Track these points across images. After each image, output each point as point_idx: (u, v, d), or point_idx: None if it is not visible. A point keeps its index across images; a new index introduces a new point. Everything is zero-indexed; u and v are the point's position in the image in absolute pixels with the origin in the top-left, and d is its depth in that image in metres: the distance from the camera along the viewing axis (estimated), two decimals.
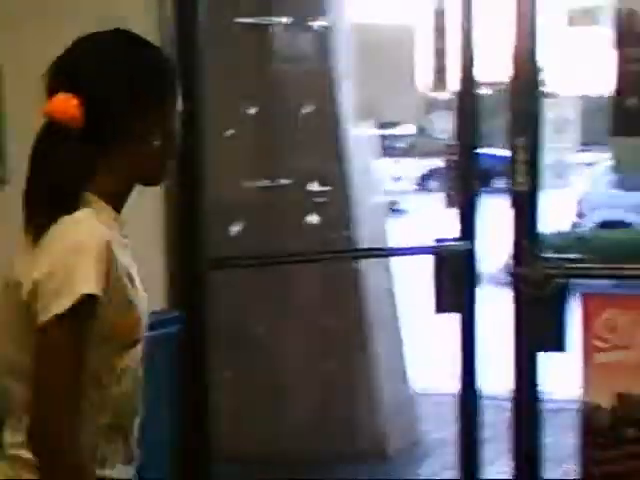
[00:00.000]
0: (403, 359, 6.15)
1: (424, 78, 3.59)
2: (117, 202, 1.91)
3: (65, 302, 1.70)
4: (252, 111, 5.24)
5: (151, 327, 3.36)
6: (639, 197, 17.21)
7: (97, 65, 1.82)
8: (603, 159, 17.49)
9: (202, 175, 3.68)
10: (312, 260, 4.44)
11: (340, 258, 4.96)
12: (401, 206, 17.09)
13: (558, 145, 3.26)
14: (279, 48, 5.30)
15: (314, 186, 5.34)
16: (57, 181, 1.78)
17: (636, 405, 3.07)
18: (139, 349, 1.89)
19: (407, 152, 18.49)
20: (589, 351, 3.13)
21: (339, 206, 5.52)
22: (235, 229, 5.10)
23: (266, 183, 5.30)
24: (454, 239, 3.74)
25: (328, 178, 5.42)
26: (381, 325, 5.92)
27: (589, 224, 16.62)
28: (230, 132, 5.13)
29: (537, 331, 3.24)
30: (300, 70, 5.42)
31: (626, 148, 2.96)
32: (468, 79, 3.59)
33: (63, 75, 1.82)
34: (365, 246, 5.62)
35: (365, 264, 5.73)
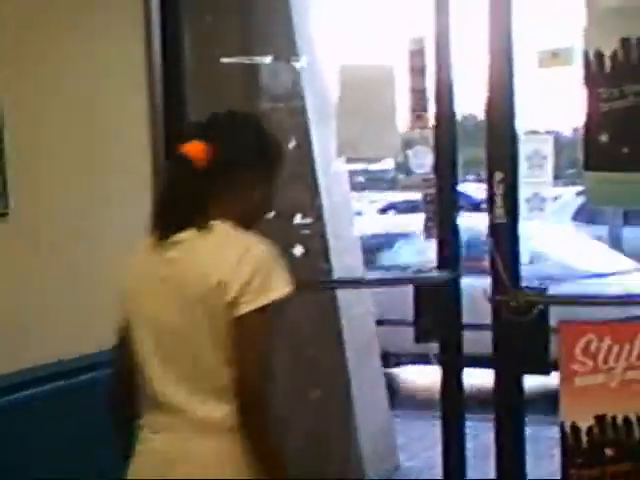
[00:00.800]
0: (382, 386, 6.27)
1: (403, 116, 3.73)
2: None
3: (271, 296, 2.24)
4: None
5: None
6: (597, 230, 17.49)
7: (233, 128, 2.44)
8: (567, 192, 17.73)
9: None
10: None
11: (322, 288, 5.07)
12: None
13: (534, 180, 3.39)
14: (262, 87, 5.44)
15: (297, 219, 5.46)
16: (183, 201, 2.34)
17: (613, 426, 3.21)
18: None
19: (387, 186, 18.62)
20: (569, 375, 3.26)
21: (320, 238, 5.65)
22: None
23: None
24: (434, 269, 3.83)
25: (309, 211, 5.56)
26: (360, 353, 6.04)
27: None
28: None
29: (520, 355, 3.37)
30: (282, 108, 5.57)
31: (598, 182, 3.09)
32: (446, 115, 3.72)
33: (204, 128, 2.42)
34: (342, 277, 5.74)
35: (344, 294, 5.86)
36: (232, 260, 2.27)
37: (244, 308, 2.23)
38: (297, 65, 5.40)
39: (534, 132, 3.69)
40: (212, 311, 2.27)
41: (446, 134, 3.79)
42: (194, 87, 3.95)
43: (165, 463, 2.29)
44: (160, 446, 2.32)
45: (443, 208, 3.82)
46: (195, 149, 2.35)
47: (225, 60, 4.48)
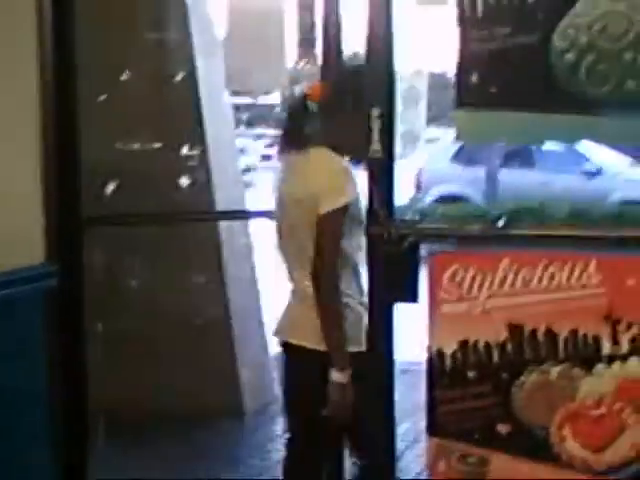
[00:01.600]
0: (262, 321, 6.41)
1: (291, 51, 3.80)
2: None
3: (342, 201, 3.13)
4: (123, 77, 5.42)
5: (28, 280, 3.55)
6: (476, 172, 17.90)
7: (341, 76, 3.45)
8: (447, 134, 18.04)
9: (77, 137, 3.87)
10: (179, 220, 4.63)
11: (204, 219, 5.16)
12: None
13: (408, 117, 3.52)
14: (150, 18, 5.47)
15: (185, 150, 5.54)
16: (294, 129, 3.27)
17: (474, 351, 3.41)
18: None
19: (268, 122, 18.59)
20: (436, 303, 3.45)
21: (205, 170, 5.74)
22: (110, 189, 5.29)
23: (138, 146, 5.48)
24: None
25: (195, 143, 5.63)
26: (240, 286, 6.16)
27: (427, 198, 17.20)
28: (103, 97, 5.32)
29: (392, 285, 3.53)
30: (169, 39, 5.61)
31: (468, 120, 3.24)
32: (333, 51, 3.79)
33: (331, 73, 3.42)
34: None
35: (226, 227, 5.97)
36: (321, 175, 3.17)
37: (324, 209, 3.11)
38: None
39: (412, 72, 3.82)
40: (309, 213, 3.15)
41: (333, 69, 3.85)
42: (81, 18, 3.96)
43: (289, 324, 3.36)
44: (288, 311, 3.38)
45: None
46: (312, 87, 3.20)
47: None
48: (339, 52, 3.79)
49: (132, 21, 5.50)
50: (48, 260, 3.72)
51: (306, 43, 3.87)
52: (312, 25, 3.85)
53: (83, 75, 3.89)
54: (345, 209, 3.16)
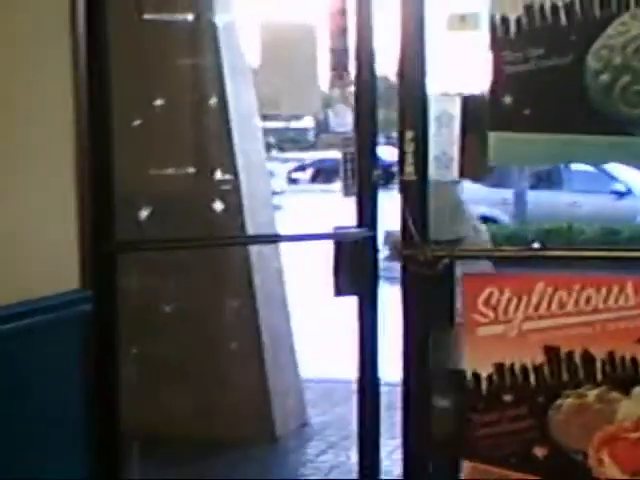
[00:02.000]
0: (293, 344, 6.41)
1: (324, 75, 3.79)
2: None
3: None
4: (158, 103, 5.46)
5: (64, 306, 3.57)
6: (504, 193, 17.85)
7: None
8: None
9: (110, 163, 3.89)
10: (213, 245, 4.65)
11: (236, 244, 5.18)
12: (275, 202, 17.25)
13: (442, 139, 3.52)
14: (184, 44, 5.52)
15: (218, 175, 5.57)
16: None
17: (511, 373, 3.40)
18: None
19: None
20: (471, 325, 3.44)
21: (237, 195, 5.76)
22: (144, 214, 5.32)
23: (172, 171, 5.52)
24: (353, 227, 3.87)
25: (227, 168, 5.66)
26: (272, 310, 6.17)
27: None
28: (138, 122, 5.36)
29: (427, 308, 3.53)
30: (201, 65, 5.65)
31: (501, 142, 3.25)
32: (366, 74, 3.80)
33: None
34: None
35: (257, 251, 5.98)
36: None
37: None
38: (218, 22, 5.48)
39: (443, 94, 3.83)
40: None
41: (366, 93, 3.84)
42: (115, 46, 3.98)
43: None
44: None
45: (362, 166, 3.87)
46: None
47: (147, 17, 4.54)
48: (373, 76, 3.80)
49: (164, 47, 5.54)
50: (83, 285, 3.74)
51: (339, 67, 3.88)
52: (345, 49, 3.86)
53: (117, 101, 3.91)
54: None
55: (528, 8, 3.21)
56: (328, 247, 3.96)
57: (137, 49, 5.13)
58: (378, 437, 3.90)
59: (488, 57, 3.27)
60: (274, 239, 5.79)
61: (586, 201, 17.55)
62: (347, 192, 3.91)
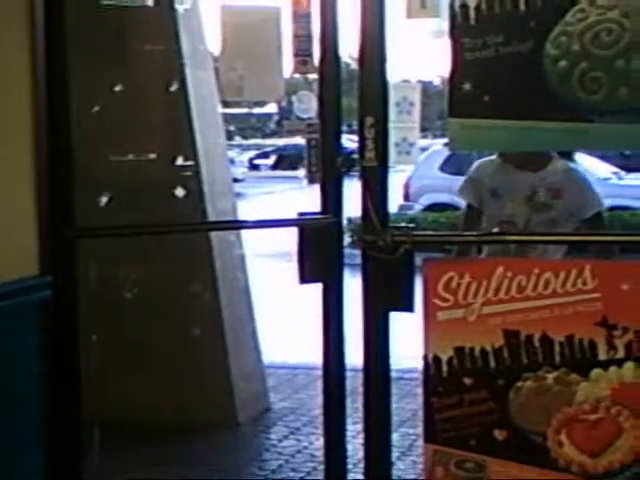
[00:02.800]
0: (255, 330, 6.42)
1: (288, 61, 3.77)
2: None
3: None
4: (117, 89, 5.44)
5: (23, 292, 3.56)
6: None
7: None
8: (436, 144, 18.04)
9: (69, 148, 3.87)
10: (173, 231, 4.64)
11: (197, 230, 5.17)
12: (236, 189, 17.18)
13: (402, 125, 3.54)
14: (143, 29, 5.49)
15: (179, 161, 5.57)
16: None
17: (471, 357, 3.43)
18: None
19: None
20: (431, 310, 3.46)
21: (197, 181, 5.76)
22: (105, 200, 5.31)
23: (132, 157, 5.51)
24: (318, 213, 3.87)
25: (188, 155, 5.66)
26: (234, 296, 6.17)
27: (417, 206, 17.24)
28: (96, 109, 5.34)
29: (387, 293, 3.54)
30: (160, 51, 5.63)
31: (460, 128, 3.26)
32: (330, 60, 3.79)
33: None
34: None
35: (218, 238, 5.98)
36: None
37: None
38: (179, 9, 5.46)
39: (404, 81, 3.84)
40: None
41: (331, 79, 3.84)
42: (74, 31, 3.96)
43: None
44: None
45: (327, 153, 3.87)
46: None
47: (105, 2, 4.51)
48: (337, 62, 3.80)
49: (124, 33, 5.52)
50: (42, 272, 3.72)
51: (303, 53, 3.86)
52: (309, 35, 3.85)
53: (77, 86, 3.89)
54: None
55: None
56: (292, 234, 3.97)
57: (96, 34, 5.10)
58: (344, 422, 3.93)
59: (447, 44, 3.28)
60: (238, 226, 5.79)
61: None
62: (311, 179, 3.91)
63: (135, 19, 5.47)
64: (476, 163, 5.28)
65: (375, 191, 3.52)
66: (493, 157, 5.16)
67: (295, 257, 3.97)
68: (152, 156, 5.59)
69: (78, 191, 3.83)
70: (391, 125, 3.62)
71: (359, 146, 3.62)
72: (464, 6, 3.25)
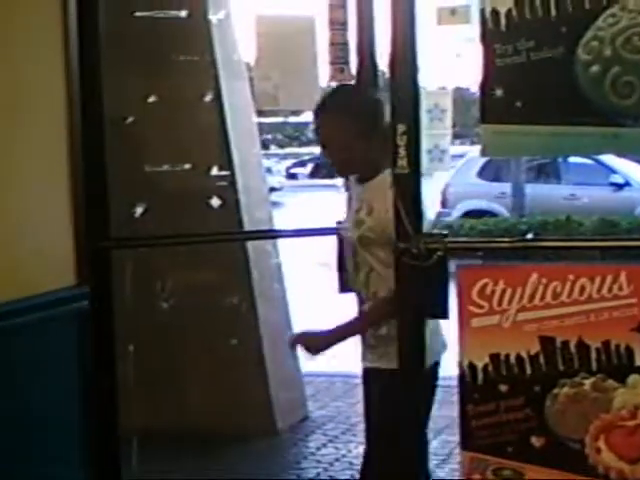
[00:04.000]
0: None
1: (324, 70, 3.77)
2: None
3: None
4: (152, 99, 5.48)
5: (60, 303, 3.59)
6: (502, 187, 17.86)
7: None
8: (471, 151, 17.98)
9: (104, 159, 3.91)
10: (208, 241, 4.66)
11: (233, 240, 5.19)
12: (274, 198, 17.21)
13: (434, 132, 3.54)
14: (177, 40, 5.53)
15: (214, 171, 5.60)
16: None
17: (506, 364, 3.41)
18: None
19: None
20: (466, 317, 3.45)
21: (233, 191, 5.79)
22: (139, 211, 5.35)
23: (167, 168, 5.55)
24: None
25: (223, 164, 5.68)
26: (270, 305, 6.19)
27: (454, 213, 17.20)
28: (132, 119, 5.39)
29: (421, 300, 3.53)
30: (194, 61, 5.67)
31: (493, 135, 3.25)
32: (367, 68, 3.80)
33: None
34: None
35: (255, 247, 6.00)
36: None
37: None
38: (213, 19, 5.49)
39: (440, 88, 3.83)
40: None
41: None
42: (109, 44, 4.00)
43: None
44: None
45: None
46: None
47: (139, 14, 4.55)
48: (374, 69, 3.78)
49: (158, 45, 5.56)
50: (79, 282, 3.76)
51: (340, 61, 3.86)
52: (345, 43, 3.85)
53: (111, 98, 3.93)
54: None
55: (518, 0, 3.22)
56: (332, 243, 3.97)
57: (131, 46, 5.14)
58: None
59: (479, 50, 3.27)
60: (275, 235, 5.80)
61: (584, 193, 17.55)
62: (348, 187, 3.91)
63: (169, 30, 5.51)
64: None
65: (407, 198, 3.51)
66: None
67: (334, 266, 3.98)
68: (187, 166, 5.63)
69: (114, 203, 3.87)
70: (423, 132, 3.61)
71: (391, 153, 3.61)
72: (495, 12, 3.24)
